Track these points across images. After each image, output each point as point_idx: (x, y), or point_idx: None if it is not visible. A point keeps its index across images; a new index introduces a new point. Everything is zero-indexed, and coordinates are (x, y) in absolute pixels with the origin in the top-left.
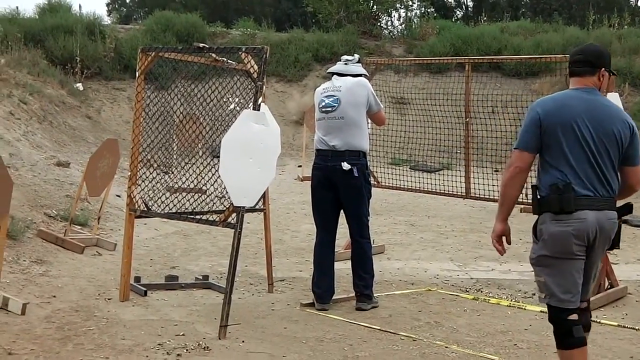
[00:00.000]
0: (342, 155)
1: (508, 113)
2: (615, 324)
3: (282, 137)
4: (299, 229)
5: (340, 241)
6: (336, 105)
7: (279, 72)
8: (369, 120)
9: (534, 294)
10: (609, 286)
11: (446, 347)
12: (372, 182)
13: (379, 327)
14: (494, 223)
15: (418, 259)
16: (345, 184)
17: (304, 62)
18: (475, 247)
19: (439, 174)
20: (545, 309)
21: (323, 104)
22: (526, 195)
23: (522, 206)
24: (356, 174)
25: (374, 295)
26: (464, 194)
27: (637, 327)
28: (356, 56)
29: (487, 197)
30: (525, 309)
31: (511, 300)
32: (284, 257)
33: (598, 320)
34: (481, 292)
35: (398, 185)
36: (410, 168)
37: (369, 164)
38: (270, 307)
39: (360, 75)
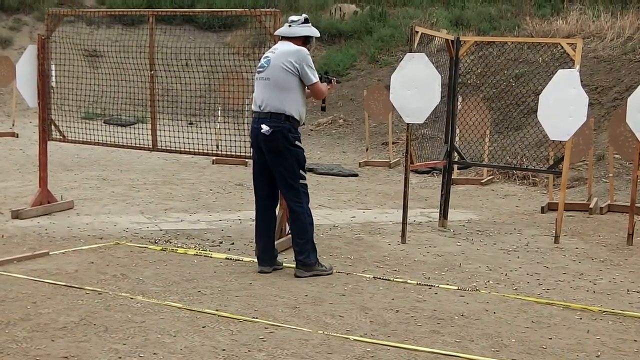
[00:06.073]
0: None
1: (201, 66)
2: (294, 265)
3: None
4: None
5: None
6: (266, 65)
7: None
8: None
9: (221, 242)
10: (289, 231)
11: (132, 298)
12: (57, 136)
13: (64, 283)
14: None
15: (108, 213)
16: (267, 148)
17: None
18: (166, 199)
19: (132, 128)
20: (231, 256)
21: (259, 64)
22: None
23: (215, 157)
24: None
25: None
26: (151, 147)
27: None
28: (302, 17)
29: (176, 149)
30: (211, 257)
31: (198, 249)
32: None
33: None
34: (170, 242)
35: (89, 140)
36: (104, 122)
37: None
38: None
39: (303, 37)
